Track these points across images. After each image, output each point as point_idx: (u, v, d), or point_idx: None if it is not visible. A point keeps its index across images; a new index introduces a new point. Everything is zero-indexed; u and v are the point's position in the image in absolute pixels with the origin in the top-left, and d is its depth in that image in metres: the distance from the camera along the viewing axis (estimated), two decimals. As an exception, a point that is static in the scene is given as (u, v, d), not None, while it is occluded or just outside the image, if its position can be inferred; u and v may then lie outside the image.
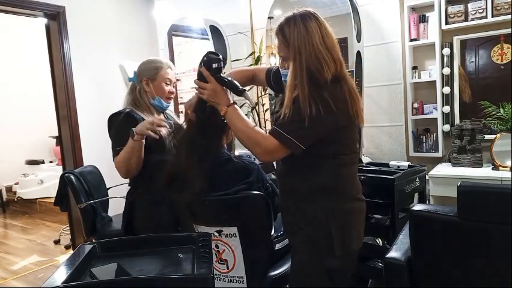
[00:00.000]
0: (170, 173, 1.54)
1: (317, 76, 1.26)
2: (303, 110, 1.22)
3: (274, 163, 2.85)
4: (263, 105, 3.36)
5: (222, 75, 1.37)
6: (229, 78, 1.38)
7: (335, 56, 1.29)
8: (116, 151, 1.71)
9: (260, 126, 3.08)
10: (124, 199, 1.87)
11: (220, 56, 1.38)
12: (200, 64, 1.37)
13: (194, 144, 1.53)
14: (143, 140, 1.66)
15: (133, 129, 1.61)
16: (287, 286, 1.87)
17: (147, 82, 1.80)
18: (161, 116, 1.88)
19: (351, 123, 1.32)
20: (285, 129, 1.26)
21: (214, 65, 1.35)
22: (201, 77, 1.37)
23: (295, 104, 1.25)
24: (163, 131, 1.67)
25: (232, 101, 1.36)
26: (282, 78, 1.41)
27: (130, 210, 1.81)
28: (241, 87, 1.38)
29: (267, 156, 1.33)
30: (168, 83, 1.81)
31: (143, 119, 1.72)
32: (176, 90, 1.89)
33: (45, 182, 5.54)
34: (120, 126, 1.72)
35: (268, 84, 1.61)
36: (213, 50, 3.58)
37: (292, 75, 1.28)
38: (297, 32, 1.26)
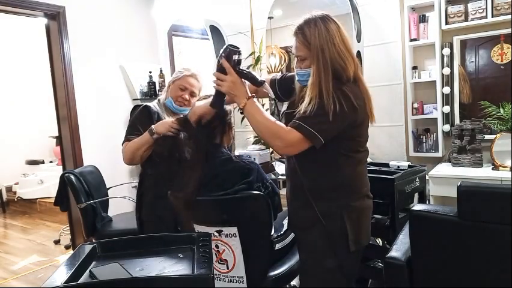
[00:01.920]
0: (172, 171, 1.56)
1: (341, 74, 1.31)
2: (327, 105, 1.26)
3: (274, 164, 2.86)
4: (263, 105, 3.36)
5: (241, 67, 1.38)
6: (248, 71, 1.40)
7: (353, 56, 1.35)
8: (126, 138, 1.87)
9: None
10: (124, 199, 1.93)
11: (240, 49, 1.39)
12: (220, 56, 1.37)
13: (194, 143, 1.54)
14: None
15: (153, 126, 1.76)
16: (287, 286, 1.87)
17: (169, 85, 1.96)
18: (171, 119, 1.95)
19: (366, 121, 1.40)
20: (308, 122, 1.29)
21: (235, 57, 1.36)
22: (219, 69, 1.37)
23: (319, 100, 1.28)
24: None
25: (250, 94, 1.37)
26: (296, 78, 1.43)
27: (139, 202, 1.95)
28: (260, 79, 1.40)
29: (289, 149, 1.35)
30: (182, 88, 1.90)
31: (158, 114, 1.88)
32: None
33: (45, 182, 5.54)
34: (137, 116, 1.90)
35: (274, 93, 1.62)
36: (215, 49, 3.61)
37: (315, 73, 1.31)
38: (318, 33, 1.31)
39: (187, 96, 1.90)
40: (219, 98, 1.43)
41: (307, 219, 1.42)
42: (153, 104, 1.93)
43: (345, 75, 1.31)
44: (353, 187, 1.41)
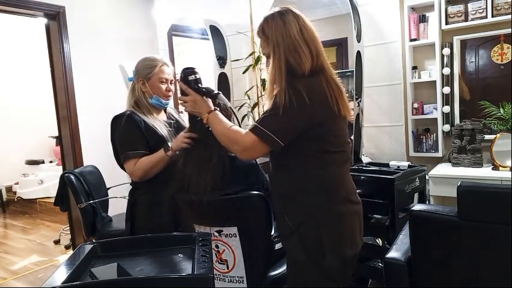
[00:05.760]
0: (172, 173, 1.55)
1: (295, 68, 1.26)
2: (279, 103, 1.22)
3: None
4: (263, 105, 3.36)
5: (199, 85, 1.46)
6: (206, 86, 1.47)
7: (312, 48, 1.27)
8: (127, 155, 1.68)
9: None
10: (124, 199, 1.87)
11: (195, 69, 1.48)
12: (178, 80, 1.48)
13: (195, 146, 1.54)
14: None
15: (169, 144, 1.66)
16: (287, 286, 1.87)
17: (143, 82, 1.77)
18: (163, 115, 1.87)
19: (333, 117, 1.27)
20: (263, 123, 1.25)
21: (190, 77, 1.45)
22: (183, 92, 1.47)
23: (275, 99, 1.25)
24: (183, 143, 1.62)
25: (212, 108, 1.41)
26: None
27: (132, 210, 1.81)
28: (215, 91, 1.47)
29: (246, 153, 1.31)
30: (164, 81, 1.77)
31: (144, 121, 1.72)
32: (175, 88, 1.90)
33: (45, 182, 5.54)
34: (127, 129, 1.70)
35: None
36: (215, 49, 3.61)
37: (272, 69, 1.28)
38: (274, 26, 1.29)
39: (171, 87, 1.80)
40: (193, 120, 1.53)
41: (284, 225, 1.35)
42: (131, 112, 1.74)
43: (300, 69, 1.24)
44: (326, 191, 1.29)
